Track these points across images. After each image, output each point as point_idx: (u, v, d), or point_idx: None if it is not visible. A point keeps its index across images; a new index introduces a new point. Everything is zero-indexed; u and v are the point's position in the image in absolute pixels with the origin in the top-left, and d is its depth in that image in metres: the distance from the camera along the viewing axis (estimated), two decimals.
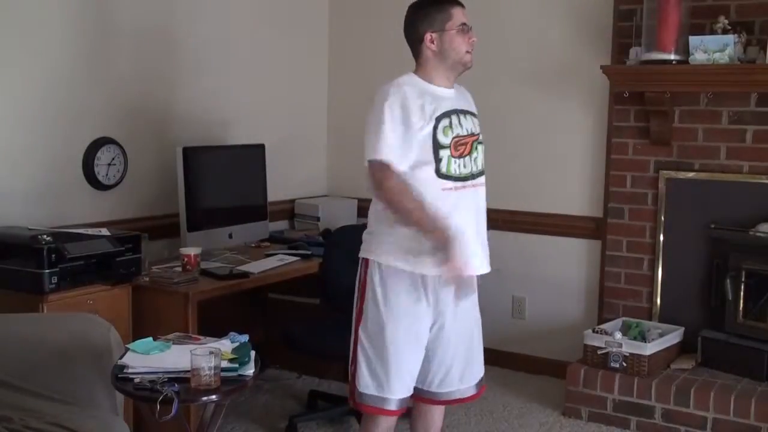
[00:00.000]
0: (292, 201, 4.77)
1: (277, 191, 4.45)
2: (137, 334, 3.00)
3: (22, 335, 2.66)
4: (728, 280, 3.80)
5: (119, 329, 2.84)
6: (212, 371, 2.27)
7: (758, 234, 3.75)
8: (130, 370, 2.36)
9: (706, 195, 3.94)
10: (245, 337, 2.58)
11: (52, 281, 2.93)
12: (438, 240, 2.56)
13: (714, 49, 3.62)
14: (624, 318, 4.10)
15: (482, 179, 2.76)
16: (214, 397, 2.30)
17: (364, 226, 2.81)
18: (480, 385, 2.88)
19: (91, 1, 3.62)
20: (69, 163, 3.56)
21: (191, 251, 3.59)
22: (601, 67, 3.95)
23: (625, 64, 3.93)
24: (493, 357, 4.43)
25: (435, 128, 2.61)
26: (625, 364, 3.75)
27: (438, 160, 2.61)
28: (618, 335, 3.84)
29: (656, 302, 4.09)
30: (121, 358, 2.47)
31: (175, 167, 3.76)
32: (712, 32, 3.69)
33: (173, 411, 2.19)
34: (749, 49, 3.68)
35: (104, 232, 3.24)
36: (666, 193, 4.03)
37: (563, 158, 4.37)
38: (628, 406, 3.73)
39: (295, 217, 4.77)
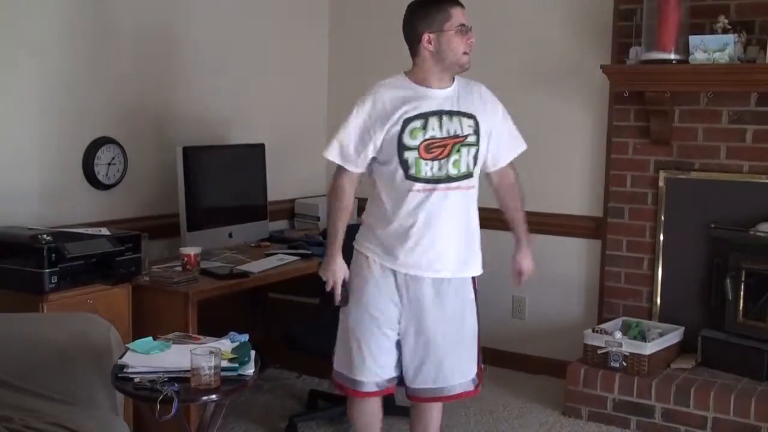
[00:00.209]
0: (292, 201, 4.77)
1: (277, 191, 4.45)
2: (137, 334, 3.00)
3: (22, 335, 2.66)
4: (728, 280, 3.80)
5: (119, 329, 2.84)
6: (212, 371, 2.27)
7: (758, 234, 3.75)
8: (130, 370, 2.36)
9: (706, 195, 3.94)
10: (245, 337, 2.58)
11: (52, 281, 2.93)
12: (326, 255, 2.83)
13: (714, 48, 3.62)
14: (624, 318, 4.10)
15: (467, 182, 2.75)
16: (214, 396, 2.30)
17: None
18: (473, 384, 2.87)
19: (91, 1, 3.62)
20: (69, 163, 3.56)
21: (191, 251, 3.59)
22: (601, 66, 3.95)
23: (625, 63, 3.93)
24: (493, 357, 4.45)
25: (402, 130, 2.66)
26: (625, 364, 3.75)
27: (403, 161, 2.67)
28: (618, 335, 3.84)
29: (656, 302, 4.09)
30: (121, 357, 2.47)
31: (175, 167, 3.76)
32: (712, 32, 3.69)
33: (173, 411, 2.19)
34: (749, 49, 3.68)
35: (104, 231, 3.24)
36: (666, 192, 4.03)
37: (563, 158, 4.36)
38: (628, 405, 3.73)
39: (295, 217, 4.77)
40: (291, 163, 4.71)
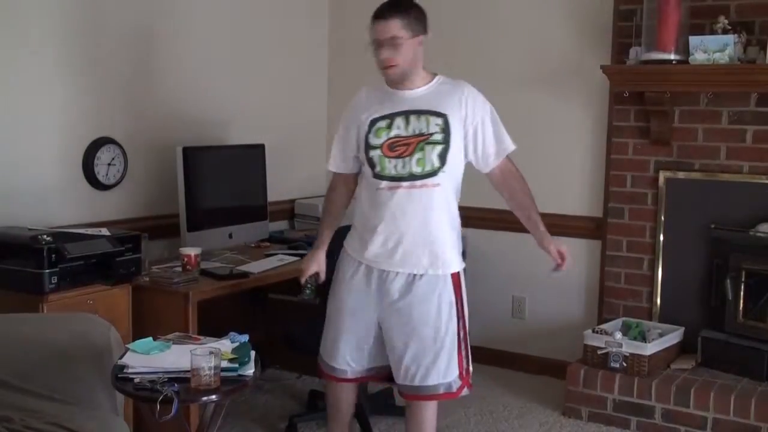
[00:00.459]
0: (292, 201, 4.77)
1: (276, 191, 4.45)
2: (137, 334, 3.00)
3: (22, 335, 2.66)
4: (728, 280, 3.80)
5: (119, 329, 2.85)
6: (212, 371, 2.27)
7: (758, 234, 3.75)
8: (130, 370, 2.36)
9: (706, 195, 3.94)
10: (245, 337, 2.58)
11: (52, 281, 2.93)
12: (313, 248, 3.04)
13: (714, 49, 3.62)
14: (624, 318, 4.10)
15: (432, 180, 2.77)
16: (214, 397, 2.30)
17: None
18: (455, 386, 2.86)
19: (91, 0, 3.61)
20: (69, 163, 3.56)
21: (191, 251, 3.59)
22: (601, 67, 3.95)
23: (625, 64, 3.93)
24: (493, 357, 4.46)
25: (369, 130, 2.82)
26: (625, 364, 3.75)
27: (369, 159, 2.81)
28: (618, 335, 3.84)
29: (656, 302, 4.09)
30: (121, 358, 2.47)
31: (175, 167, 3.76)
32: (712, 32, 3.69)
33: (173, 411, 2.19)
34: (749, 49, 3.68)
35: (104, 232, 3.24)
36: (666, 193, 4.03)
37: (563, 158, 4.37)
38: (628, 406, 3.73)
39: (295, 217, 4.77)
40: (291, 164, 4.71)
